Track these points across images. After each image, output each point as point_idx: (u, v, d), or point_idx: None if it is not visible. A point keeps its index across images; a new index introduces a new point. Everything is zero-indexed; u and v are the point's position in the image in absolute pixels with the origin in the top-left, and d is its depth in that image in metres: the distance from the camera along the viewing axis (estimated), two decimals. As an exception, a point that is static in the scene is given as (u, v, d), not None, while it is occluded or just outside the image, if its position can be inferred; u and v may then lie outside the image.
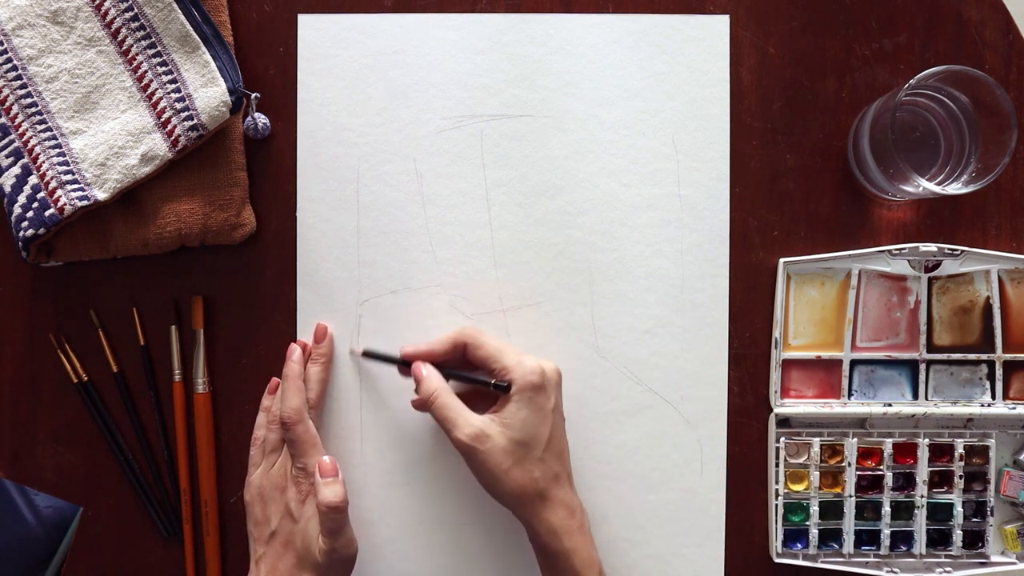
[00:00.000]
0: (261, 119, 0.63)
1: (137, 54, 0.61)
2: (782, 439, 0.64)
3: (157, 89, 0.60)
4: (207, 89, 0.60)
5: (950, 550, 0.64)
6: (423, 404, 0.59)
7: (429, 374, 0.60)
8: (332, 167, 0.64)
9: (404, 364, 0.62)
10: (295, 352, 0.62)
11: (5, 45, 0.60)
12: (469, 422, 0.57)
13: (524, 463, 0.57)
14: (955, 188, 0.58)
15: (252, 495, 0.61)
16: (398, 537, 0.65)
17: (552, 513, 0.57)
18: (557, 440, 0.59)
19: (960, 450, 0.64)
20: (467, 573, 0.64)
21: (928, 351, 0.64)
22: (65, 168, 0.59)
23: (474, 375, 0.60)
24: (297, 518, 0.59)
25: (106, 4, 0.60)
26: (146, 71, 0.61)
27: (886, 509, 0.64)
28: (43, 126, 0.60)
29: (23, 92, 0.60)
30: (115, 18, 0.60)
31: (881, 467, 0.64)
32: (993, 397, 0.65)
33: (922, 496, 0.64)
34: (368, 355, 0.63)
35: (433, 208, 0.64)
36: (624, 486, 0.64)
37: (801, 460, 0.64)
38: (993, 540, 0.64)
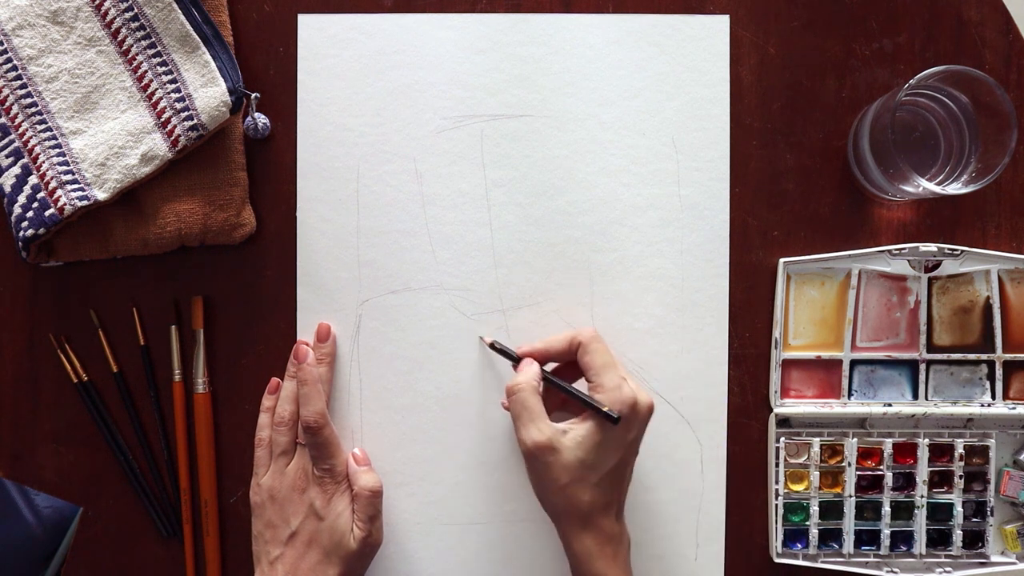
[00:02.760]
0: (261, 119, 0.63)
1: (137, 54, 0.61)
2: (782, 439, 0.64)
3: (157, 89, 0.60)
4: (207, 89, 0.60)
5: (950, 550, 0.64)
6: (507, 393, 0.59)
7: (526, 371, 0.59)
8: (332, 167, 0.64)
9: (517, 361, 0.61)
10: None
11: (5, 45, 0.60)
12: (540, 428, 0.56)
13: (580, 484, 0.56)
14: (955, 188, 0.58)
15: (263, 497, 0.61)
16: (397, 537, 0.65)
17: (589, 537, 0.57)
18: (621, 471, 0.58)
19: (960, 450, 0.64)
20: (466, 573, 0.64)
21: (928, 351, 0.64)
22: (65, 168, 0.59)
23: (585, 395, 0.58)
24: (324, 516, 0.59)
25: (106, 4, 0.60)
26: (146, 71, 0.61)
27: (886, 509, 0.64)
28: (43, 126, 0.60)
29: (23, 92, 0.60)
30: (115, 18, 0.60)
31: (881, 467, 0.64)
32: (993, 397, 0.65)
33: (922, 496, 0.64)
34: (494, 347, 0.63)
35: (433, 208, 0.64)
36: (624, 486, 0.64)
37: (801, 460, 0.64)
38: (993, 540, 0.64)
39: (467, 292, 0.64)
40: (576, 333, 0.60)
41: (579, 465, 0.56)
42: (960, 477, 0.64)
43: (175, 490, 0.65)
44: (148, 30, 0.60)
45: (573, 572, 0.59)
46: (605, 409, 0.56)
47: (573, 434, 0.57)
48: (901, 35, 0.65)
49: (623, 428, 0.57)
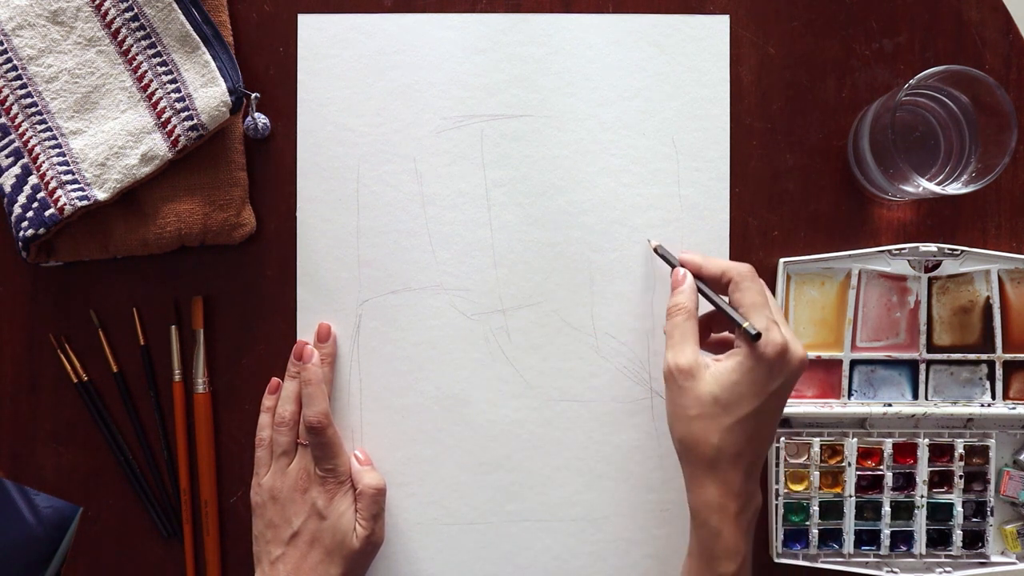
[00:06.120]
0: (261, 119, 0.63)
1: (137, 54, 0.61)
2: (782, 439, 0.64)
3: (157, 89, 0.60)
4: (207, 89, 0.60)
5: (950, 550, 0.64)
6: (667, 312, 0.57)
7: (687, 288, 0.57)
8: (332, 167, 0.64)
9: (673, 267, 0.60)
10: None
11: (5, 45, 0.60)
12: (685, 352, 0.54)
13: (709, 421, 0.53)
14: (955, 188, 0.58)
15: (264, 497, 0.61)
16: (397, 537, 0.65)
17: (713, 486, 0.53)
18: (757, 422, 0.53)
19: (960, 450, 0.64)
20: (466, 573, 0.64)
21: (928, 351, 0.64)
22: (65, 168, 0.59)
23: (728, 309, 0.55)
24: (326, 516, 0.59)
25: (106, 4, 0.60)
26: (146, 71, 0.61)
27: (886, 509, 0.64)
28: (43, 126, 0.60)
29: (23, 92, 0.60)
30: (115, 18, 0.60)
31: (881, 467, 0.64)
32: (993, 397, 0.65)
33: (922, 496, 0.64)
34: (657, 251, 0.62)
35: (433, 208, 0.64)
36: (624, 486, 0.64)
37: (801, 460, 0.64)
38: (993, 540, 0.64)
39: (467, 292, 0.64)
40: (728, 267, 0.57)
41: (712, 401, 0.53)
42: (960, 477, 0.64)
43: (175, 490, 0.65)
44: (148, 30, 0.60)
45: (692, 527, 0.55)
46: (745, 324, 0.53)
47: (713, 369, 0.54)
48: (901, 35, 0.65)
49: (765, 374, 0.53)
